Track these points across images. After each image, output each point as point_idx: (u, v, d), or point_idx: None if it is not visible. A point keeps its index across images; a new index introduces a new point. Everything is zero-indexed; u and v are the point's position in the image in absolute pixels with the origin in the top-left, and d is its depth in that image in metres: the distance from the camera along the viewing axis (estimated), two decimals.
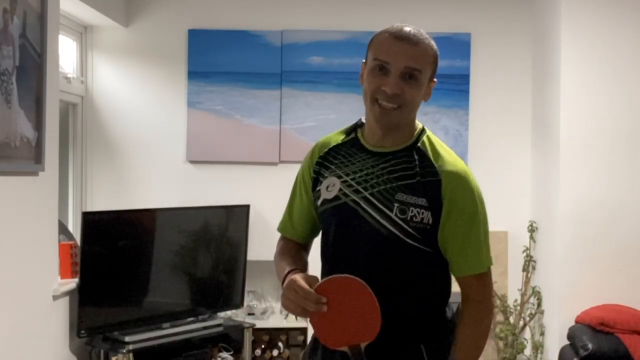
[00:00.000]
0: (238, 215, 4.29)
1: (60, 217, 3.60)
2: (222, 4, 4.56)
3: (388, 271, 1.80)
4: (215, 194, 4.46)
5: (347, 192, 1.81)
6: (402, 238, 1.75)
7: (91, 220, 3.62)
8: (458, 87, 4.54)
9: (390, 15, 4.52)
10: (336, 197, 1.83)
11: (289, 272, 1.77)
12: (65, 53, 4.21)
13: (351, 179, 1.82)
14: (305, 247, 2.03)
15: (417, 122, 1.86)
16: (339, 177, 1.84)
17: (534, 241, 4.43)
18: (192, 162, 4.55)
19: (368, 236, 1.78)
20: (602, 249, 4.06)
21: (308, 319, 1.73)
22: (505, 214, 4.49)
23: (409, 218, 1.74)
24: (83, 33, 4.45)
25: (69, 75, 4.20)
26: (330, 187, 1.84)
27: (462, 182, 1.77)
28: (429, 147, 1.81)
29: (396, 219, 1.75)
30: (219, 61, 4.52)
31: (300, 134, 4.50)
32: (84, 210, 4.28)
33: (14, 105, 2.87)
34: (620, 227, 4.05)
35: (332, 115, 4.50)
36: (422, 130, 1.85)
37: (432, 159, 1.79)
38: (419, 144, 1.81)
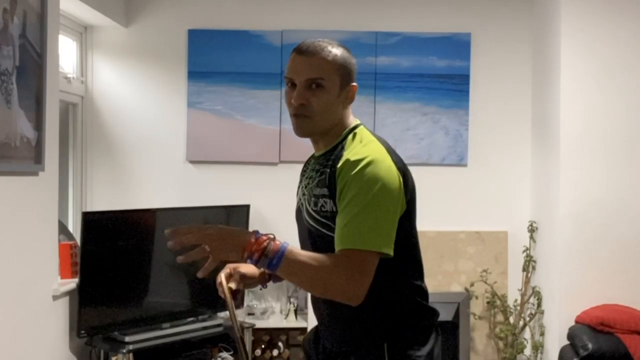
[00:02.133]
0: (238, 215, 4.28)
1: (60, 217, 3.60)
2: (222, 4, 4.56)
3: None
4: (215, 194, 4.46)
5: (300, 197, 1.98)
6: (320, 230, 1.84)
7: (91, 220, 3.62)
8: (458, 87, 4.54)
9: (390, 16, 4.54)
10: (297, 204, 2.01)
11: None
12: (65, 53, 4.20)
13: (302, 186, 1.98)
14: None
15: (352, 120, 1.93)
16: (300, 185, 2.02)
17: (534, 241, 4.43)
18: (192, 162, 4.55)
19: (307, 234, 1.92)
20: (602, 249, 4.06)
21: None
22: (505, 214, 4.49)
23: (319, 208, 1.84)
24: (83, 33, 4.45)
25: (69, 75, 4.20)
26: (298, 196, 2.01)
27: (353, 166, 1.76)
28: (350, 142, 1.87)
29: (312, 212, 1.87)
30: (219, 61, 4.52)
31: None
32: (84, 210, 4.28)
33: (14, 105, 2.87)
34: (620, 227, 4.05)
35: None
36: (352, 128, 1.92)
37: (345, 151, 1.84)
38: (343, 142, 1.89)
